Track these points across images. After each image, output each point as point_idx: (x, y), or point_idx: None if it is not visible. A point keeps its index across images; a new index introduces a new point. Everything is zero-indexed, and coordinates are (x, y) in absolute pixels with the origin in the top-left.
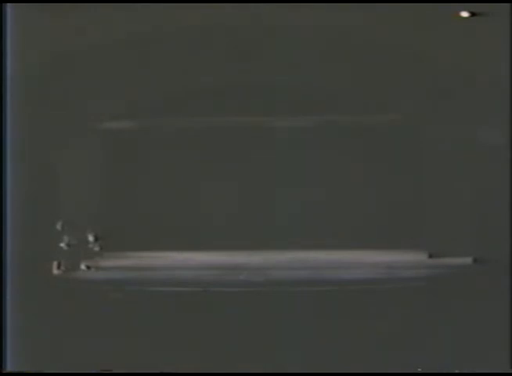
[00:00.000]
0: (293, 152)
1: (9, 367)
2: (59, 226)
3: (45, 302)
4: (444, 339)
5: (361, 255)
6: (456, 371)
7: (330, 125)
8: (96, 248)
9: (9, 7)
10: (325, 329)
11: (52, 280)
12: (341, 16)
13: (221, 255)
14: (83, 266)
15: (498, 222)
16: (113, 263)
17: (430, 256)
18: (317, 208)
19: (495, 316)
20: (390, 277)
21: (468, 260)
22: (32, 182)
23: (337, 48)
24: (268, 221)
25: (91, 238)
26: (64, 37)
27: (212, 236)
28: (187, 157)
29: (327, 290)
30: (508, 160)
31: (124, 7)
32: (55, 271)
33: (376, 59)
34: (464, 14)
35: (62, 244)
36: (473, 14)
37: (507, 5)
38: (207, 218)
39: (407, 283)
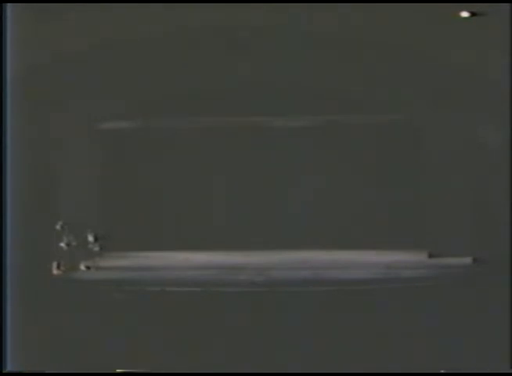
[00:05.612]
0: (293, 152)
1: (9, 367)
2: (59, 226)
3: (45, 302)
4: (444, 339)
5: (361, 255)
6: (457, 371)
7: (330, 125)
8: (96, 248)
9: (8, 7)
10: (325, 328)
11: (52, 280)
12: (341, 16)
13: (222, 255)
14: (83, 266)
15: (497, 221)
16: (112, 263)
17: (430, 256)
18: (317, 208)
19: (495, 315)
20: (390, 277)
21: (468, 260)
22: (32, 182)
23: (336, 48)
24: (268, 221)
25: (91, 238)
26: (64, 38)
27: (212, 236)
28: (187, 158)
29: (327, 290)
30: (508, 160)
31: (124, 8)
32: (55, 271)
33: (376, 59)
34: (464, 14)
35: (62, 244)
36: (473, 14)
37: (507, 5)
38: (207, 218)
39: (407, 283)
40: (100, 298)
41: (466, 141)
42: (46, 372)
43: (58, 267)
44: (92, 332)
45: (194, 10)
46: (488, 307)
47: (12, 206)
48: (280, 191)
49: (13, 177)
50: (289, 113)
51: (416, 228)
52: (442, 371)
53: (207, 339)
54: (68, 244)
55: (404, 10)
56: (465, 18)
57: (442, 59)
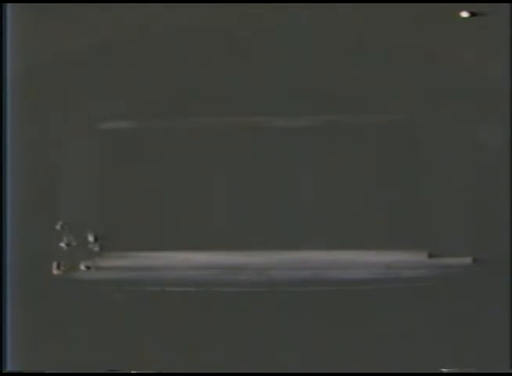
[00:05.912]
0: (293, 152)
1: (9, 367)
2: (59, 226)
3: (45, 302)
4: (444, 339)
5: (361, 255)
6: (457, 371)
7: (330, 125)
8: (96, 248)
9: (8, 7)
10: (325, 328)
11: (52, 280)
12: (341, 16)
13: (222, 255)
14: (83, 266)
15: (497, 221)
16: (112, 263)
17: (430, 256)
18: (317, 208)
19: (494, 316)
20: (390, 277)
21: (468, 260)
22: (32, 182)
23: (336, 47)
24: (268, 221)
25: (91, 238)
26: (64, 38)
27: (212, 236)
28: (187, 158)
29: (327, 290)
30: (508, 160)
31: (124, 8)
32: (55, 271)
33: (375, 59)
34: (464, 14)
35: (62, 244)
36: (473, 14)
37: (507, 5)
38: (207, 218)
39: (407, 283)
40: (100, 298)
41: (466, 141)
42: (46, 372)
43: (58, 267)
44: (92, 332)
45: (194, 10)
46: (488, 307)
47: (12, 206)
48: (280, 191)
49: (13, 177)
50: (289, 113)
51: (416, 228)
52: (442, 371)
53: (207, 339)
54: (68, 244)
55: (404, 10)
56: (465, 18)
57: (442, 59)
